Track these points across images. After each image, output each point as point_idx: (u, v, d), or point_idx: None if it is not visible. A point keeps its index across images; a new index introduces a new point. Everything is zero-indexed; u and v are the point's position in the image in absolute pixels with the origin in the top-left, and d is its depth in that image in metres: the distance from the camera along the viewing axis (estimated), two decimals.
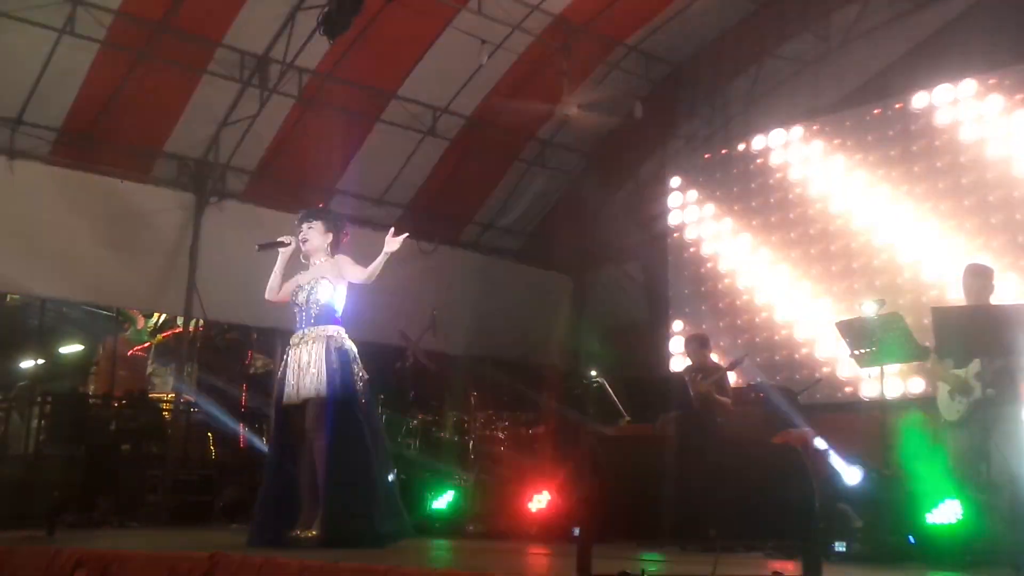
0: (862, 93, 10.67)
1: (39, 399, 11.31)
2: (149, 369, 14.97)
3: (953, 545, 5.62)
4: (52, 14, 9.07)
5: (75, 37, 9.25)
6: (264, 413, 11.71)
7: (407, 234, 5.86)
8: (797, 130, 10.95)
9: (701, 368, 8.73)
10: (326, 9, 9.31)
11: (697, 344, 9.03)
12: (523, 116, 11.72)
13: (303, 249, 6.04)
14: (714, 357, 9.06)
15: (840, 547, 5.78)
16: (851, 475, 5.99)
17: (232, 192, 10.96)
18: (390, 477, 6.04)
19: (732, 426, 8.18)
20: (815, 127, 10.80)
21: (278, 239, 6.05)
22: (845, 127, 10.53)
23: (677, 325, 11.69)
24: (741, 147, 11.50)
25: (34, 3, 8.89)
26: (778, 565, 4.70)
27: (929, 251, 9.59)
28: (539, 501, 8.30)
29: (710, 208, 11.69)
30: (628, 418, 8.97)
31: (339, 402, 5.75)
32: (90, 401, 12.74)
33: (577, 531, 4.58)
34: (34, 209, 9.57)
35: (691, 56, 11.90)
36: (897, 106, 10.10)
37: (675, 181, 12.07)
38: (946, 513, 5.89)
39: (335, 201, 10.87)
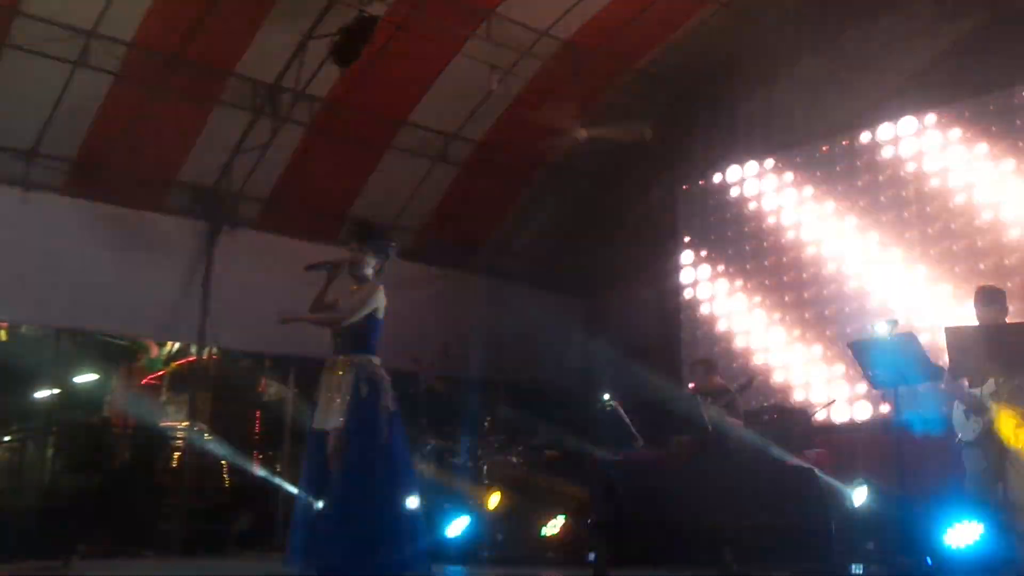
0: (872, 114, 10.67)
1: (54, 429, 11.34)
2: (163, 397, 14.98)
3: (970, 566, 5.58)
4: (66, 47, 9.17)
5: (89, 69, 9.35)
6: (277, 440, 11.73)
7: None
8: (808, 150, 10.96)
9: (709, 391, 8.68)
10: (337, 38, 9.40)
11: (703, 369, 8.98)
12: (533, 141, 11.76)
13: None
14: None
15: (857, 569, 5.75)
16: (865, 496, 5.96)
17: (245, 220, 11.01)
18: (410, 505, 6.03)
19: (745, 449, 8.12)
20: (825, 148, 10.81)
21: None
22: (857, 147, 10.56)
23: (690, 347, 11.67)
24: (751, 168, 11.53)
25: (49, 36, 9.01)
26: None
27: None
28: (554, 526, 8.27)
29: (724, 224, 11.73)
30: (642, 441, 8.92)
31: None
32: (105, 430, 12.75)
33: (592, 556, 4.57)
34: (49, 240, 9.64)
35: (700, 78, 11.93)
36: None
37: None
38: (963, 534, 5.87)
39: (347, 228, 10.91)
